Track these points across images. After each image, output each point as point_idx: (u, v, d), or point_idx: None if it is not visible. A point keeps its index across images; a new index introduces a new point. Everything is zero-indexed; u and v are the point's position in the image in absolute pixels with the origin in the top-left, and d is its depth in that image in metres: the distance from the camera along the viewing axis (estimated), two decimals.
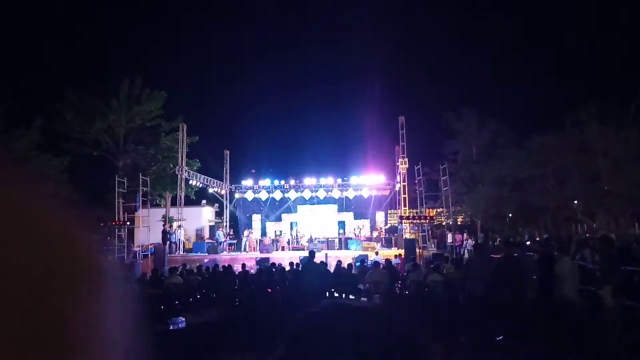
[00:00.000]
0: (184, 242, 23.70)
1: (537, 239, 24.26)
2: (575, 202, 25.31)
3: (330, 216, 27.83)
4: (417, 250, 19.81)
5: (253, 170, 31.17)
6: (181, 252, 22.26)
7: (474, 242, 20.74)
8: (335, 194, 27.69)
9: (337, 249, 22.77)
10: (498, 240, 25.47)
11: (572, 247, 12.53)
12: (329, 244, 23.49)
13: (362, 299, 10.75)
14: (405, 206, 23.51)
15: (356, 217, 28.03)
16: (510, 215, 30.19)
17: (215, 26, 66.40)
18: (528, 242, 21.41)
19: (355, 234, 25.40)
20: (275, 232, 26.67)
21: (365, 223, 27.40)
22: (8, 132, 21.56)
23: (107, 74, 30.27)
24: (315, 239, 24.31)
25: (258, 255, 20.99)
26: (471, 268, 9.06)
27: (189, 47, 59.84)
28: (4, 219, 0.37)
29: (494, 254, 14.65)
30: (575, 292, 7.38)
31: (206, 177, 26.87)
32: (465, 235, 23.53)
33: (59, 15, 42.93)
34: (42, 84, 29.68)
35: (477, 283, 8.35)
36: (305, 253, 20.64)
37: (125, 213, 22.26)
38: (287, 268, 13.32)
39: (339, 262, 13.33)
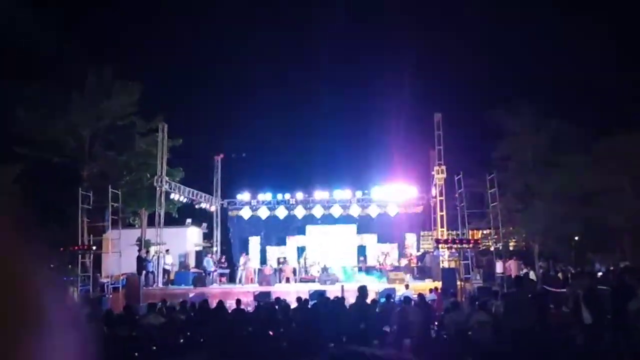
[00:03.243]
0: (169, 271, 23.70)
1: (612, 268, 23.95)
2: None
3: (348, 239, 27.76)
4: (458, 282, 19.72)
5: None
6: (160, 285, 22.29)
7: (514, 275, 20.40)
8: (354, 211, 27.62)
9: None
10: (562, 269, 25.18)
11: None
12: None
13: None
14: (442, 227, 23.43)
15: (380, 241, 27.90)
16: (576, 238, 29.86)
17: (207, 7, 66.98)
18: (600, 273, 21.16)
19: (379, 262, 25.27)
20: (278, 259, 26.63)
21: (392, 248, 27.25)
22: None
23: (70, 63, 30.59)
24: (329, 268, 24.17)
25: (257, 288, 21.00)
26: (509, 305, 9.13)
27: (170, 30, 60.25)
28: None
29: (557, 288, 14.54)
30: None
31: (192, 190, 26.97)
32: (520, 264, 23.33)
33: None
34: None
35: (520, 321, 8.38)
36: (316, 285, 20.73)
37: (91, 235, 22.45)
38: (293, 305, 13.30)
39: None
